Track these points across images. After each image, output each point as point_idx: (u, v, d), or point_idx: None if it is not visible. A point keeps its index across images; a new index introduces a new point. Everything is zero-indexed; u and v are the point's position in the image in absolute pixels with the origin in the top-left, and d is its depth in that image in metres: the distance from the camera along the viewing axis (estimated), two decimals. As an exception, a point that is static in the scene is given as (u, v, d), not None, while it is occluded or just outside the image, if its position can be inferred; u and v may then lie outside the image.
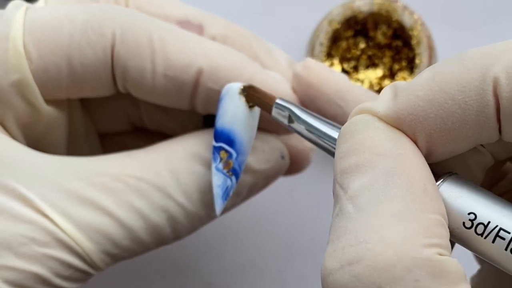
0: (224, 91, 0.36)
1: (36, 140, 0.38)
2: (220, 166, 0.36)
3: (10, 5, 0.37)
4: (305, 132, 0.33)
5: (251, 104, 0.36)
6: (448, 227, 0.28)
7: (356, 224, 0.27)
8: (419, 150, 0.29)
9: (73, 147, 0.40)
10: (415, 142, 0.29)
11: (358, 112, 0.30)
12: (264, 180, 0.39)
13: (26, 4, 0.37)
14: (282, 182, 0.49)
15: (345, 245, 0.27)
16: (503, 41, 0.29)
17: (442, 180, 0.29)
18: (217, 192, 0.36)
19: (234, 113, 0.36)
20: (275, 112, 0.35)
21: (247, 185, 0.38)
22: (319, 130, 0.33)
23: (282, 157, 0.40)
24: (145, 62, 0.36)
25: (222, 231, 0.51)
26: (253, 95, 0.36)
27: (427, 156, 0.29)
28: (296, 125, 0.34)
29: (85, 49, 0.36)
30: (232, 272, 0.51)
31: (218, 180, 0.36)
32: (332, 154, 0.31)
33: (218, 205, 0.36)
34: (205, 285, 0.51)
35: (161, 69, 0.36)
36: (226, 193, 0.36)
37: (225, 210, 0.38)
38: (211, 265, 0.51)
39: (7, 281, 0.34)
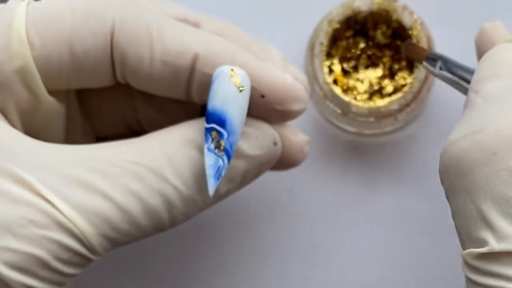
0: (215, 74, 0.37)
1: (34, 130, 0.39)
2: (212, 146, 0.36)
3: None
4: (454, 79, 0.40)
5: (241, 88, 0.37)
6: None
7: (484, 109, 0.32)
8: None
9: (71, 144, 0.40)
10: None
11: (501, 42, 0.35)
12: (257, 166, 0.40)
13: None
14: (281, 181, 0.50)
15: (471, 121, 0.32)
16: None
17: None
18: (210, 172, 0.36)
19: (224, 95, 0.37)
20: (426, 63, 0.43)
21: (240, 171, 0.39)
22: (466, 80, 0.39)
23: (275, 144, 0.40)
24: (143, 48, 0.37)
25: (222, 230, 0.51)
26: (410, 49, 0.46)
27: None
28: (444, 73, 0.41)
29: (86, 36, 0.37)
30: (232, 272, 0.51)
31: (210, 160, 0.36)
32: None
33: (211, 185, 0.36)
34: (205, 285, 0.51)
35: (158, 55, 0.37)
36: (218, 173, 0.36)
37: (220, 196, 0.39)
38: (211, 265, 0.51)
39: (6, 263, 0.34)
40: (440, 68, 0.41)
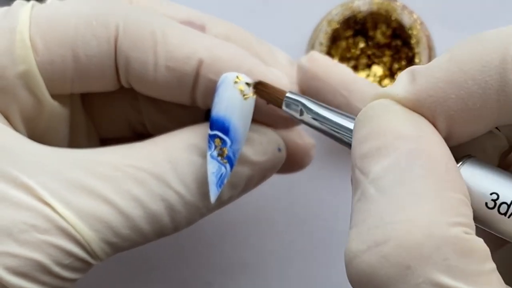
0: (220, 80, 0.37)
1: (38, 134, 0.39)
2: (215, 153, 0.36)
3: (16, 2, 0.38)
4: (317, 124, 0.34)
5: (245, 96, 0.37)
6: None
7: (380, 206, 0.27)
8: (438, 133, 0.29)
9: (74, 148, 0.40)
10: (434, 125, 0.29)
11: (376, 98, 0.30)
12: (261, 172, 0.40)
13: (32, 1, 0.38)
14: (282, 181, 0.50)
15: (371, 226, 0.27)
16: None
17: (461, 162, 0.29)
18: (212, 179, 0.36)
19: (229, 102, 0.37)
20: (285, 106, 0.35)
21: (244, 177, 0.39)
22: (332, 121, 0.33)
23: (279, 150, 0.40)
24: (147, 53, 0.37)
25: (222, 230, 0.51)
26: (263, 91, 0.37)
27: (446, 139, 0.29)
28: (307, 118, 0.34)
29: (90, 40, 0.37)
30: (232, 272, 0.51)
31: (213, 168, 0.36)
32: (346, 144, 0.32)
33: (213, 192, 0.36)
34: (205, 285, 0.51)
35: (162, 61, 0.37)
36: (220, 181, 0.36)
37: (223, 202, 0.39)
38: (211, 265, 0.51)
39: (7, 268, 0.34)
40: (301, 113, 0.34)
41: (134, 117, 0.43)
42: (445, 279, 0.26)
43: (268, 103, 0.37)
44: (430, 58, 0.49)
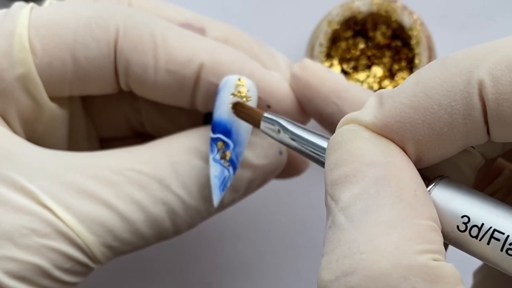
0: (221, 84, 0.37)
1: (37, 136, 0.39)
2: (218, 156, 0.36)
3: (15, 4, 0.38)
4: (295, 144, 0.34)
5: (248, 98, 0.37)
6: (443, 231, 0.28)
7: (349, 235, 0.27)
8: (407, 157, 0.29)
9: (74, 149, 0.40)
10: (404, 149, 0.29)
11: (345, 123, 0.30)
12: (262, 176, 0.40)
13: (31, 4, 0.38)
14: (280, 183, 0.50)
15: (339, 256, 0.27)
16: (485, 43, 0.29)
17: (433, 184, 0.29)
18: (215, 182, 0.36)
19: (231, 105, 0.37)
20: (263, 126, 0.35)
21: (245, 180, 0.39)
22: (308, 141, 0.33)
23: (280, 153, 0.40)
24: (147, 57, 0.37)
25: (222, 231, 0.51)
26: (241, 111, 0.37)
27: (417, 162, 0.29)
28: (285, 137, 0.34)
29: (90, 43, 0.37)
30: (232, 272, 0.51)
31: (216, 171, 0.36)
32: (323, 164, 0.31)
33: (216, 196, 0.36)
34: (205, 285, 0.51)
35: (163, 64, 0.37)
36: (223, 184, 0.36)
37: (224, 205, 0.39)
38: (211, 265, 0.51)
39: (7, 272, 0.34)
40: (279, 132, 0.34)
41: (133, 117, 0.43)
42: None
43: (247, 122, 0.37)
44: (430, 58, 0.49)
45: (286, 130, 0.34)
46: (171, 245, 0.51)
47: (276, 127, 0.34)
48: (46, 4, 0.39)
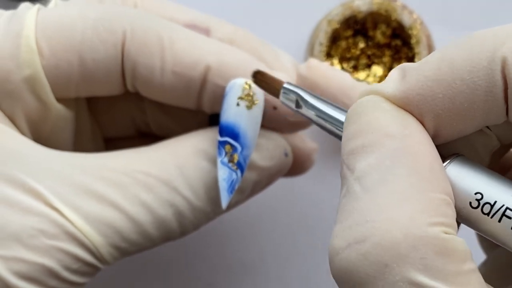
0: (228, 87, 0.37)
1: (43, 137, 0.39)
2: (226, 160, 0.36)
3: (22, 6, 0.38)
4: (313, 116, 0.34)
5: (255, 101, 0.37)
6: (455, 207, 0.29)
7: (363, 204, 0.28)
8: (425, 131, 0.29)
9: (79, 149, 0.40)
10: (422, 123, 0.29)
11: (365, 94, 0.30)
12: (268, 177, 0.40)
13: (38, 5, 0.38)
14: (283, 182, 0.50)
15: (352, 224, 0.27)
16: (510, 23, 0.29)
17: (448, 161, 0.30)
18: (223, 185, 0.36)
19: (238, 108, 0.37)
20: (283, 97, 0.35)
21: (251, 181, 0.39)
22: (326, 114, 0.33)
23: (286, 155, 0.40)
24: (154, 59, 0.37)
25: (222, 231, 0.51)
26: (261, 80, 0.37)
27: (434, 137, 0.29)
28: (303, 110, 0.34)
29: (97, 45, 0.37)
30: (232, 272, 0.51)
31: (224, 174, 0.36)
32: (339, 137, 0.31)
33: (224, 199, 0.36)
34: (206, 285, 0.51)
35: (170, 66, 0.37)
36: (231, 187, 0.36)
37: (230, 207, 0.39)
38: (212, 265, 0.51)
39: (16, 273, 0.34)
40: (297, 104, 0.34)
41: (139, 117, 0.43)
42: (421, 278, 0.26)
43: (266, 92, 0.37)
44: (430, 58, 0.49)
45: (304, 101, 0.34)
46: (171, 245, 0.50)
47: (295, 98, 0.34)
48: (51, 4, 0.39)
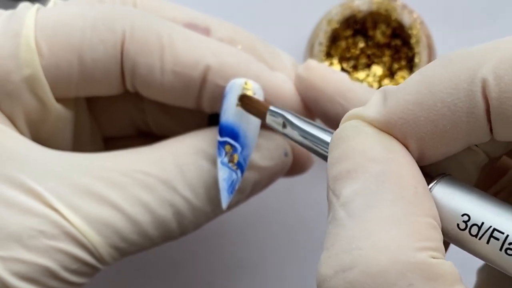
0: (228, 87, 0.37)
1: (43, 137, 0.39)
2: (226, 160, 0.36)
3: (21, 5, 0.38)
4: (299, 138, 0.34)
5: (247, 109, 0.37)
6: (443, 229, 0.29)
7: (349, 230, 0.27)
8: (409, 154, 0.29)
9: (78, 149, 0.40)
10: (406, 146, 0.29)
11: (348, 118, 0.30)
12: (268, 177, 0.40)
13: (37, 5, 0.38)
14: (282, 182, 0.50)
15: (338, 251, 0.27)
16: (487, 42, 0.29)
17: (435, 182, 0.29)
18: (223, 185, 0.36)
19: (238, 108, 0.37)
20: (269, 119, 0.35)
21: (251, 181, 0.39)
22: (312, 135, 0.33)
23: (286, 155, 0.40)
24: (154, 58, 0.37)
25: (222, 231, 0.51)
26: (247, 104, 0.37)
27: (419, 159, 0.29)
28: (289, 131, 0.34)
29: (96, 45, 0.37)
30: (232, 272, 0.51)
31: (224, 174, 0.36)
32: (326, 159, 0.31)
33: (224, 199, 0.36)
34: (205, 285, 0.51)
35: (169, 66, 0.37)
36: (232, 187, 0.37)
37: (230, 206, 0.39)
38: (211, 265, 0.51)
39: (15, 274, 0.34)
40: (284, 126, 0.35)
41: (138, 116, 0.43)
42: None
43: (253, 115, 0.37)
44: (430, 57, 0.49)
45: (290, 123, 0.34)
46: (171, 244, 0.50)
47: (281, 120, 0.34)
48: (50, 4, 0.39)
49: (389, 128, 0.29)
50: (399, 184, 0.28)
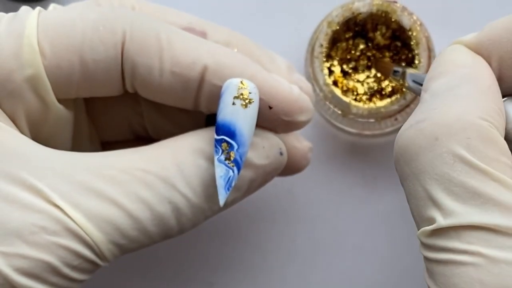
0: (224, 86, 0.38)
1: (43, 137, 0.39)
2: (222, 157, 0.37)
3: (23, 8, 0.39)
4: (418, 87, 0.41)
5: (250, 100, 0.38)
6: (506, 129, 0.34)
7: (430, 102, 0.34)
8: (491, 69, 0.35)
9: (77, 151, 0.40)
10: (490, 64, 0.35)
11: (452, 43, 0.37)
12: (263, 175, 0.41)
13: (38, 7, 0.39)
14: (282, 181, 0.50)
15: (417, 113, 0.34)
16: None
17: (506, 98, 0.35)
18: (220, 183, 0.37)
19: (234, 107, 0.37)
20: (393, 76, 0.46)
21: (247, 180, 0.40)
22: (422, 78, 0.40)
23: (281, 153, 0.41)
24: (153, 59, 0.38)
25: (224, 230, 0.52)
26: (379, 64, 0.47)
27: (499, 79, 0.35)
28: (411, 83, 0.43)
29: (97, 45, 0.37)
30: (233, 272, 0.51)
31: (221, 171, 0.37)
32: None
33: (221, 196, 0.37)
34: (206, 284, 0.51)
35: (168, 66, 0.38)
36: (228, 184, 0.37)
37: (226, 204, 0.39)
38: (212, 265, 0.51)
39: (17, 269, 0.35)
40: (403, 78, 0.44)
41: (135, 120, 0.43)
42: (463, 152, 0.32)
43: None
44: (429, 59, 0.49)
45: (410, 76, 0.43)
46: (172, 244, 0.51)
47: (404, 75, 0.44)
48: (50, 8, 0.40)
49: (478, 48, 0.36)
50: (478, 81, 0.34)
